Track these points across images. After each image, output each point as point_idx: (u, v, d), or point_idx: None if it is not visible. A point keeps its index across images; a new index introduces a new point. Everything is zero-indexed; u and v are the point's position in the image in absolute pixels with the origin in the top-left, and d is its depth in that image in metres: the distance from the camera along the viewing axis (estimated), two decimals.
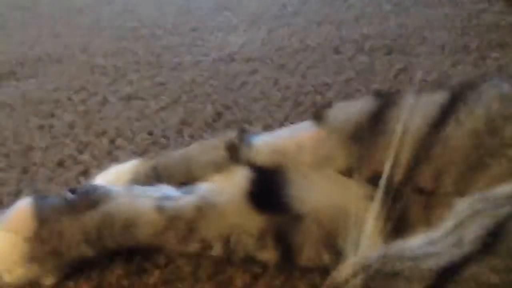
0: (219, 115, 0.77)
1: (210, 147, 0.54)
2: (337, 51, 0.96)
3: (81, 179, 0.64)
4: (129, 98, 0.83)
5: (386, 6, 1.16)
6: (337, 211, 0.47)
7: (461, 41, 0.97)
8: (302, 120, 0.72)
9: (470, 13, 1.10)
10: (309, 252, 0.47)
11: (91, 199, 0.47)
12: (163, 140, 0.71)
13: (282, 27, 1.09)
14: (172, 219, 0.47)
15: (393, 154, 0.43)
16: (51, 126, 0.76)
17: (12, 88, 0.89)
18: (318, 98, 0.80)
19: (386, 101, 0.49)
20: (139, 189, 0.50)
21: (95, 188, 0.48)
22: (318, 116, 0.51)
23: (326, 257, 0.47)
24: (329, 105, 0.53)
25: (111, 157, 0.68)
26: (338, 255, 0.47)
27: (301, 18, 1.13)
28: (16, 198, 0.60)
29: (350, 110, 0.50)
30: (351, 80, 0.85)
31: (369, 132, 0.48)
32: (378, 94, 0.51)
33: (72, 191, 0.48)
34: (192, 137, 0.72)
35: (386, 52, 0.94)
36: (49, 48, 1.04)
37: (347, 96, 0.80)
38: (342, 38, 1.02)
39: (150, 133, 0.73)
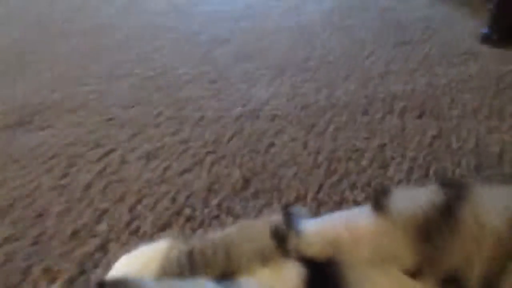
0: (247, 181, 0.71)
1: (254, 232, 0.48)
2: (365, 111, 0.92)
3: (98, 256, 0.57)
4: (149, 157, 0.78)
5: (411, 64, 1.13)
6: None
7: (494, 105, 0.93)
8: (337, 191, 0.67)
9: (497, 75, 1.07)
10: None
11: None
12: (187, 211, 0.65)
13: (307, 81, 1.05)
14: None
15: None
16: (65, 187, 0.71)
17: (22, 140, 0.84)
18: (352, 165, 0.75)
19: (455, 194, 0.44)
20: (178, 285, 0.43)
21: (126, 284, 0.42)
22: (377, 204, 0.46)
23: None
24: (386, 191, 0.48)
25: (131, 228, 0.62)
26: None
27: (325, 73, 1.09)
28: (26, 276, 0.54)
29: (415, 202, 0.44)
30: (384, 146, 0.80)
31: (439, 229, 0.42)
32: (443, 183, 0.46)
33: (101, 286, 0.42)
34: (219, 206, 0.66)
35: (418, 115, 0.90)
36: (61, 96, 0.99)
37: (383, 164, 0.75)
38: (369, 97, 0.97)
39: (173, 200, 0.67)
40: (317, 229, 0.48)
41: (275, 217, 0.50)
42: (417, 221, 0.43)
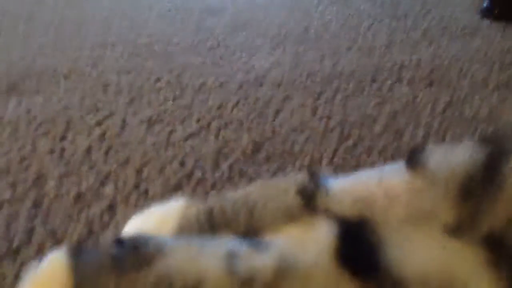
0: (257, 146, 0.68)
1: (278, 191, 0.45)
2: (373, 79, 0.89)
3: (107, 217, 0.54)
4: (151, 121, 0.74)
5: (413, 36, 1.10)
6: (446, 277, 0.38)
7: (503, 76, 0.92)
8: (353, 155, 0.65)
9: (501, 49, 1.05)
10: None
11: (142, 255, 0.37)
12: (197, 173, 0.62)
13: (309, 50, 1.01)
14: (246, 284, 0.37)
15: None
16: (64, 150, 0.66)
17: (15, 104, 0.79)
18: (365, 131, 0.72)
19: (497, 149, 0.41)
20: (199, 242, 0.40)
21: (147, 241, 0.39)
22: (412, 161, 0.43)
23: None
24: (421, 148, 0.45)
25: (139, 191, 0.59)
26: None
27: (326, 43, 1.06)
28: (29, 237, 0.50)
29: (454, 159, 0.42)
30: (396, 113, 0.77)
31: (482, 186, 0.40)
32: (483, 139, 0.43)
33: (118, 243, 0.38)
34: (231, 169, 0.63)
35: (427, 84, 0.88)
36: (54, 62, 0.94)
37: (398, 130, 0.72)
38: (376, 66, 0.95)
39: (182, 164, 0.64)
40: (347, 187, 0.44)
41: (300, 175, 0.47)
42: (458, 178, 0.41)
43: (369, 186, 0.43)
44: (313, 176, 0.46)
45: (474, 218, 0.40)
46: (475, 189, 0.40)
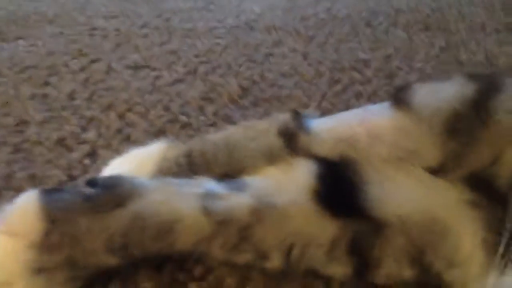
0: (245, 90, 0.66)
1: (259, 131, 0.44)
2: (368, 23, 0.86)
3: (88, 162, 0.53)
4: (137, 66, 0.72)
5: None
6: (427, 218, 0.38)
7: (503, 20, 0.88)
8: (342, 100, 0.63)
9: None
10: (389, 267, 0.38)
11: (117, 195, 0.37)
12: (182, 118, 0.60)
13: None
14: (222, 224, 0.37)
15: None
16: (46, 96, 0.65)
17: None
18: (356, 75, 0.70)
19: (486, 86, 0.40)
20: (176, 183, 0.39)
21: (122, 181, 0.38)
22: (397, 98, 0.42)
23: (408, 274, 0.38)
24: (407, 85, 0.43)
25: (122, 135, 0.58)
26: (424, 271, 0.38)
27: None
28: (8, 182, 0.50)
29: (441, 96, 0.40)
30: (390, 57, 0.75)
31: (468, 123, 0.38)
32: (472, 76, 0.41)
33: (92, 183, 0.37)
34: (216, 114, 0.61)
35: (423, 28, 0.85)
36: (40, 7, 0.91)
37: (390, 75, 0.70)
38: (371, 10, 0.91)
39: (166, 109, 0.62)
40: (329, 127, 0.43)
41: (283, 116, 0.46)
42: (444, 115, 0.39)
43: (352, 126, 0.42)
44: (296, 116, 0.44)
45: (459, 157, 0.39)
46: (461, 126, 0.38)
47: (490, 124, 0.38)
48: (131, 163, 0.45)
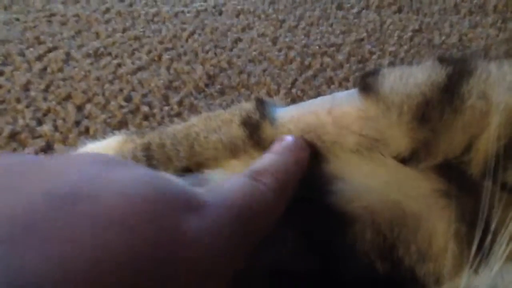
0: (211, 78, 0.63)
1: (221, 122, 0.41)
2: (339, 5, 0.83)
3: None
4: (97, 54, 0.68)
5: None
6: (397, 210, 0.36)
7: (477, 1, 0.87)
8: (312, 86, 0.61)
9: None
10: (358, 263, 0.36)
11: None
12: (144, 108, 0.57)
13: None
14: None
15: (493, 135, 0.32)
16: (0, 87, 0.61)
17: None
18: (328, 60, 0.68)
19: (458, 70, 0.38)
20: None
21: None
22: (366, 85, 0.39)
23: (379, 268, 0.36)
24: (374, 71, 0.41)
25: (80, 129, 0.54)
26: (394, 265, 0.37)
27: None
28: None
29: (411, 81, 0.38)
30: (362, 41, 0.73)
31: (439, 108, 0.36)
32: (442, 59, 0.39)
33: None
34: (181, 104, 0.58)
35: (396, 10, 0.82)
36: None
37: (362, 59, 0.68)
38: None
39: (128, 99, 0.59)
40: (296, 116, 0.41)
41: (246, 105, 0.43)
42: (413, 101, 0.37)
43: (319, 115, 0.40)
44: (260, 105, 0.42)
45: (430, 145, 0.36)
46: (432, 113, 0.36)
47: (462, 110, 0.36)
48: None
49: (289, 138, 0.38)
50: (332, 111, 0.39)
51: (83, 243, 0.22)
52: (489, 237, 0.28)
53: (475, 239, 0.30)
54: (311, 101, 0.44)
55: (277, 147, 0.37)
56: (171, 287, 0.24)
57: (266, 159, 0.35)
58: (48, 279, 0.20)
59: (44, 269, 0.20)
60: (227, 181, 0.31)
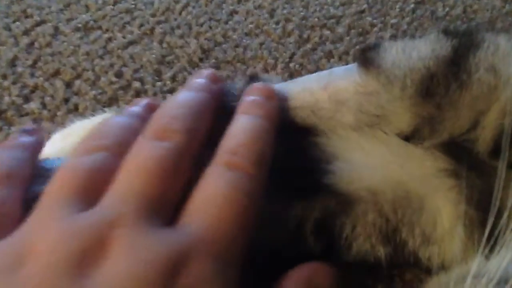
0: (206, 52, 0.61)
1: None
2: None
3: None
4: (87, 28, 0.65)
5: None
6: (401, 191, 0.34)
7: None
8: (311, 60, 0.58)
9: None
10: (360, 246, 0.35)
11: None
12: (136, 84, 0.55)
13: None
14: None
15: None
16: None
17: None
18: (327, 33, 0.65)
19: (464, 43, 0.35)
20: None
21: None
22: (366, 59, 0.37)
23: (381, 251, 0.35)
24: (375, 44, 0.39)
25: (69, 106, 0.52)
26: (397, 248, 0.35)
27: None
28: None
29: (414, 55, 0.36)
30: (362, 13, 0.70)
31: (444, 83, 0.34)
32: (446, 31, 0.37)
33: None
34: (174, 79, 0.56)
35: None
36: None
37: (363, 32, 0.65)
38: None
39: (119, 75, 0.57)
40: (291, 93, 0.39)
41: (239, 81, 0.41)
42: (417, 75, 0.35)
43: (314, 91, 0.38)
44: (253, 82, 0.40)
45: (435, 122, 0.35)
46: (436, 88, 0.34)
47: (469, 85, 0.34)
48: (73, 137, 0.40)
49: (254, 91, 0.36)
50: (328, 86, 0.37)
51: None
52: (502, 222, 0.26)
53: (487, 223, 0.28)
54: (307, 76, 0.42)
55: (244, 105, 0.35)
56: None
57: (238, 127, 0.33)
58: None
59: None
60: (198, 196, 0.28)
